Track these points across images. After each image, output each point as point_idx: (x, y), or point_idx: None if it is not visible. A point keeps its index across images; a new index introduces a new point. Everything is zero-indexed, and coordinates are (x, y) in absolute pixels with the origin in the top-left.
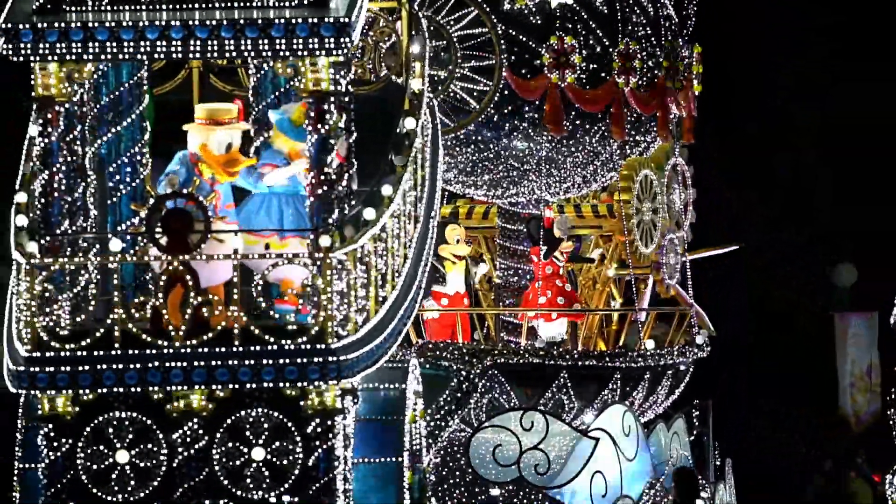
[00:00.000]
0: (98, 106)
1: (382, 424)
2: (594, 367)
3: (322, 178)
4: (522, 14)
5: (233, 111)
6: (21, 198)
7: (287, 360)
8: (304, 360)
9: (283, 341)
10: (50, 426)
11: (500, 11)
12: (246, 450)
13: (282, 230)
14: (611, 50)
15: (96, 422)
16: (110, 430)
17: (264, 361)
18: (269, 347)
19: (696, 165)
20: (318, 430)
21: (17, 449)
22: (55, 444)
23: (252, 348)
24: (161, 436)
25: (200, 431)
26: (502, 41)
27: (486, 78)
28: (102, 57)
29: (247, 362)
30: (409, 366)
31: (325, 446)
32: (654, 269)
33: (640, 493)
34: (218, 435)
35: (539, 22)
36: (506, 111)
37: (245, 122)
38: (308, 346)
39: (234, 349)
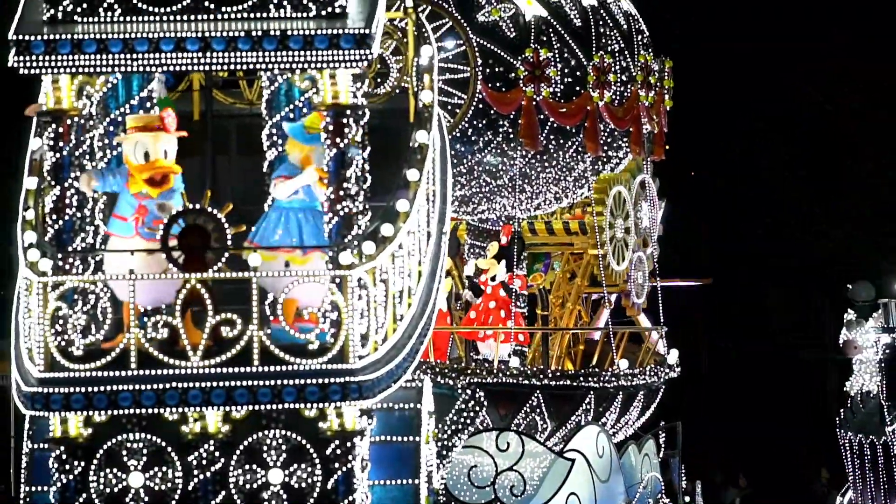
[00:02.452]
0: (108, 119)
1: (398, 446)
2: (568, 386)
3: (341, 193)
4: (497, 26)
5: (151, 119)
6: (28, 214)
7: (308, 381)
8: (326, 380)
9: (304, 361)
10: (62, 448)
11: (474, 23)
12: (263, 472)
13: (303, 246)
14: (586, 63)
15: (109, 444)
16: (124, 452)
17: (284, 382)
18: (290, 367)
19: (665, 182)
20: (338, 451)
21: (24, 471)
22: (67, 466)
23: (272, 368)
24: (176, 458)
25: (216, 454)
26: (477, 53)
27: (460, 90)
28: (116, 69)
29: (267, 383)
30: (423, 385)
31: (344, 468)
32: (621, 288)
33: None
34: (234, 457)
35: (514, 34)
36: (480, 125)
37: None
38: (329, 366)
39: (254, 369)
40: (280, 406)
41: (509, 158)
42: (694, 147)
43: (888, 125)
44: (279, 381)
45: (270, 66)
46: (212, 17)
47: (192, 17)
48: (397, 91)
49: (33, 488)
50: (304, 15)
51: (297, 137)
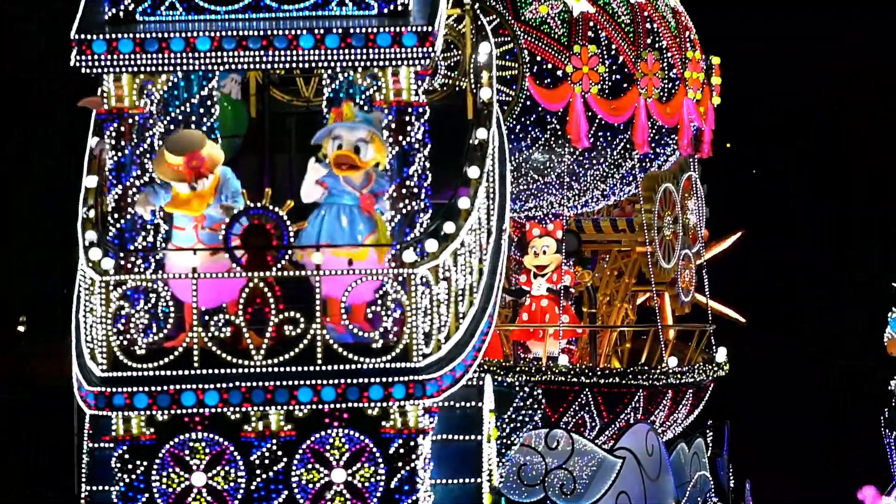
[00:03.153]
0: (167, 118)
1: (460, 444)
2: (618, 384)
3: (404, 191)
4: (545, 22)
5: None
6: (88, 213)
7: (372, 380)
8: (390, 379)
9: (368, 360)
10: (125, 447)
11: (522, 20)
12: (326, 472)
13: (366, 245)
14: (634, 60)
15: (172, 443)
16: (186, 451)
17: (348, 381)
18: (354, 366)
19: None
20: (401, 450)
21: (84, 470)
22: (130, 465)
23: (336, 367)
24: (238, 457)
25: (279, 453)
26: (525, 50)
27: (507, 87)
28: (178, 69)
29: (330, 382)
30: (484, 383)
31: (408, 467)
32: (668, 286)
33: None
34: (297, 456)
35: (562, 31)
36: (528, 122)
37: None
38: (393, 365)
39: (318, 368)
40: (343, 405)
41: (557, 156)
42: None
43: None
44: (343, 380)
45: (332, 64)
46: (273, 15)
47: (254, 16)
48: (455, 89)
49: (94, 487)
50: (367, 12)
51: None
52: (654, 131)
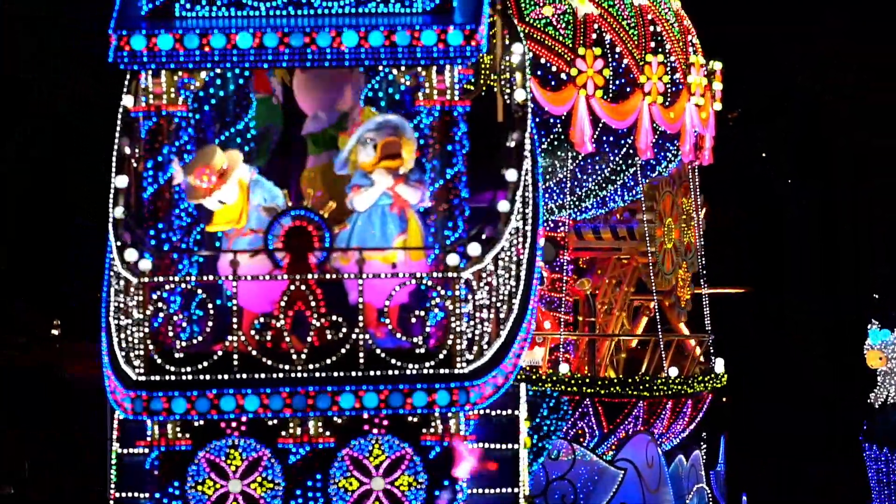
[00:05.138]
0: (200, 115)
1: (497, 453)
2: (618, 394)
3: (446, 192)
4: (549, 24)
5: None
6: (118, 212)
7: (415, 386)
8: (434, 385)
9: (412, 365)
10: (160, 453)
11: (525, 20)
12: (365, 479)
13: (410, 248)
14: (638, 63)
15: (208, 449)
16: (223, 457)
17: (391, 387)
18: (397, 372)
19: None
20: (442, 458)
21: (113, 476)
22: (166, 472)
23: (378, 373)
24: (276, 464)
25: (317, 460)
26: (528, 52)
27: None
28: (218, 65)
29: (374, 388)
30: (519, 391)
31: (449, 476)
32: (666, 295)
33: None
34: (336, 463)
35: (566, 33)
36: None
37: None
38: (437, 371)
39: (360, 374)
40: (386, 412)
41: (559, 161)
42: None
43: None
44: (385, 386)
45: (376, 61)
46: (316, 11)
47: (296, 12)
48: (483, 91)
49: (124, 494)
50: (411, 10)
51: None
52: (657, 136)
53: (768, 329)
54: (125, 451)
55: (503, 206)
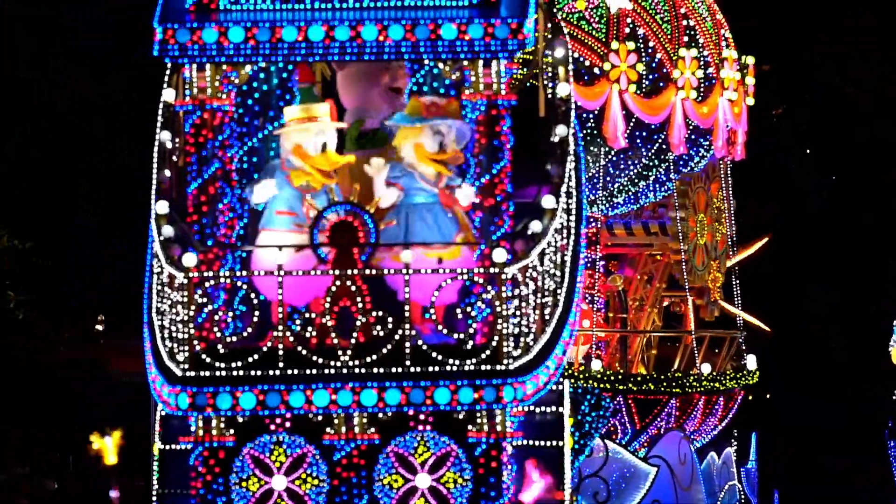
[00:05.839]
0: (243, 109)
1: (541, 450)
2: (651, 391)
3: (492, 188)
4: (582, 18)
5: (326, 108)
6: (162, 208)
7: (462, 382)
8: (480, 381)
9: (458, 361)
10: (204, 449)
11: (559, 15)
12: (410, 476)
13: (455, 243)
14: (672, 57)
15: (252, 445)
16: (267, 453)
17: (438, 383)
18: (444, 368)
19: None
20: (488, 455)
21: (156, 472)
22: (209, 467)
23: (425, 369)
24: (321, 460)
25: (362, 456)
26: None
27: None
28: (263, 59)
29: (419, 384)
30: (564, 388)
31: (495, 473)
32: (697, 292)
33: None
34: (380, 460)
35: (599, 27)
36: None
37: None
38: (483, 367)
39: (406, 370)
40: (432, 408)
41: (592, 156)
42: None
43: None
44: (432, 383)
45: (422, 55)
46: (362, 4)
47: (342, 5)
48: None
49: (166, 490)
50: (457, 3)
51: (402, 121)
52: (689, 130)
53: (790, 322)
54: (168, 446)
55: (548, 201)
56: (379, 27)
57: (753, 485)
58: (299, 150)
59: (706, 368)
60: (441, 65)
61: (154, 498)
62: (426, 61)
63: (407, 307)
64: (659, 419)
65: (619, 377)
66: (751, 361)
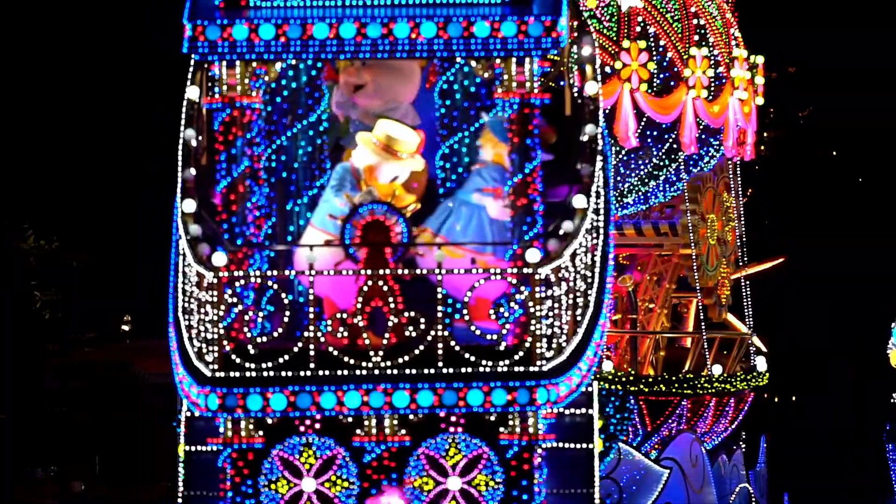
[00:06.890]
0: (272, 107)
1: (571, 453)
2: (662, 392)
3: (524, 187)
4: (593, 17)
5: (412, 146)
6: (189, 206)
7: (495, 384)
8: (514, 383)
9: (491, 363)
10: (232, 451)
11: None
12: (441, 479)
13: (491, 243)
14: (682, 57)
15: (281, 446)
16: (297, 455)
17: (471, 384)
18: (477, 369)
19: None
20: (520, 457)
21: (181, 474)
22: (238, 469)
23: (458, 370)
24: (351, 462)
25: (392, 458)
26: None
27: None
28: (294, 56)
29: (452, 385)
30: (593, 390)
31: (526, 475)
32: (706, 293)
33: None
34: (411, 462)
35: (610, 26)
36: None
37: (420, 156)
38: (516, 369)
39: (439, 371)
40: (465, 410)
41: None
42: None
43: None
44: (465, 384)
45: (455, 52)
46: (394, 1)
47: (374, 2)
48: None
49: (192, 492)
50: (490, 0)
51: (498, 135)
52: (700, 129)
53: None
54: (194, 448)
55: (579, 201)
56: (411, 24)
57: (763, 488)
58: (371, 170)
59: (717, 370)
60: (472, 62)
61: (179, 500)
62: (458, 59)
63: (440, 307)
64: (670, 420)
65: (631, 378)
66: (760, 363)
